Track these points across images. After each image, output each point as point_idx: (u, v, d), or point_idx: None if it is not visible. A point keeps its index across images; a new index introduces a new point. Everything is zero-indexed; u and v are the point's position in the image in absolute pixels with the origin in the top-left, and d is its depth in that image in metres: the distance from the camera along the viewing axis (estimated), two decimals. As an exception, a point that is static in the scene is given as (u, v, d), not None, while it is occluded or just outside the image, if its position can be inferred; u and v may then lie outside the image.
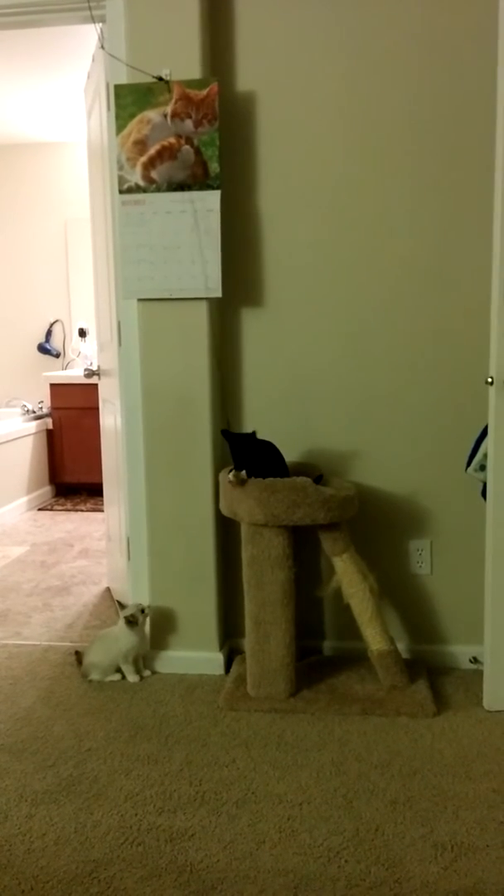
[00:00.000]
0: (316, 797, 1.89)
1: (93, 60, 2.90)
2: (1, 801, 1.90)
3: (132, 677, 2.51)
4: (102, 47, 2.54)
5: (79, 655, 2.60)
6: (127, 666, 2.51)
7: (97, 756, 2.09)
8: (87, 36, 3.29)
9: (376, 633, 2.35)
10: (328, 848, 1.70)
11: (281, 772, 2.00)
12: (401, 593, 2.61)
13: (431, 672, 2.52)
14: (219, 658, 2.57)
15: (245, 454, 2.32)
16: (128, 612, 2.50)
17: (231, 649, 2.67)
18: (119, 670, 2.53)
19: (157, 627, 2.60)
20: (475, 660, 2.55)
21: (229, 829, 1.77)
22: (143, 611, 2.52)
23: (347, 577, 2.35)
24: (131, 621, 2.48)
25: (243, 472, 2.27)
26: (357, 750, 2.09)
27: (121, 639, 2.50)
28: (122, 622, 2.50)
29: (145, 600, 2.61)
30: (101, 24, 2.52)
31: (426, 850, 1.68)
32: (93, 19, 2.51)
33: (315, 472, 2.46)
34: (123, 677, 2.52)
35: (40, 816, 1.84)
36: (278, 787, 1.93)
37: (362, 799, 1.88)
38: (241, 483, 2.24)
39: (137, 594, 2.67)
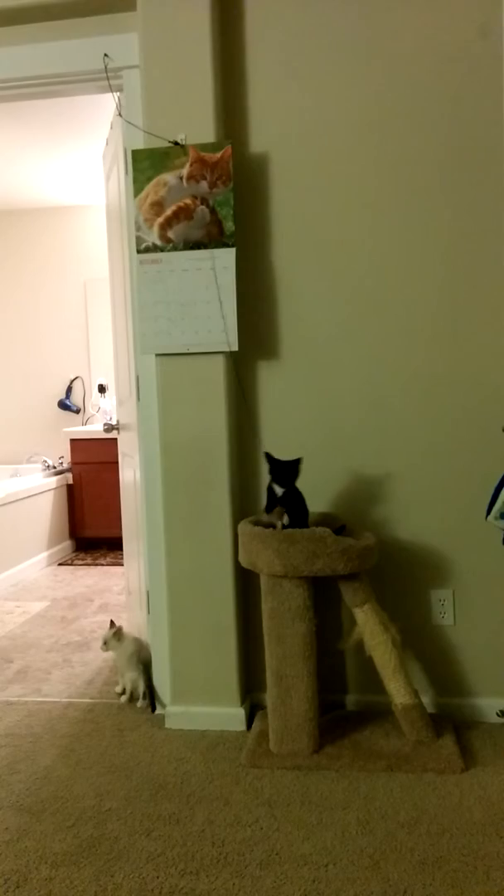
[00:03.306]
0: (342, 858, 1.83)
1: (111, 127, 3.02)
2: (20, 864, 1.86)
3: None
4: (120, 115, 2.65)
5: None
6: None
7: (117, 816, 2.05)
8: (105, 104, 3.44)
9: (400, 687, 2.31)
10: (356, 912, 1.64)
11: (305, 832, 1.94)
12: (424, 645, 2.57)
13: (458, 726, 2.46)
14: (240, 714, 2.53)
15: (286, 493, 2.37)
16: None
17: (253, 704, 2.63)
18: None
19: (178, 682, 2.57)
20: (503, 713, 2.48)
21: (253, 891, 1.72)
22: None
23: (369, 628, 2.32)
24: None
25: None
26: (383, 808, 2.03)
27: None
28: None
29: (165, 654, 2.60)
30: (118, 93, 2.63)
31: (458, 914, 1.62)
32: (111, 88, 2.63)
33: (337, 522, 2.46)
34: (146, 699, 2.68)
35: (60, 879, 1.79)
36: (303, 848, 1.87)
37: (389, 860, 1.82)
38: None
39: (157, 648, 2.65)
